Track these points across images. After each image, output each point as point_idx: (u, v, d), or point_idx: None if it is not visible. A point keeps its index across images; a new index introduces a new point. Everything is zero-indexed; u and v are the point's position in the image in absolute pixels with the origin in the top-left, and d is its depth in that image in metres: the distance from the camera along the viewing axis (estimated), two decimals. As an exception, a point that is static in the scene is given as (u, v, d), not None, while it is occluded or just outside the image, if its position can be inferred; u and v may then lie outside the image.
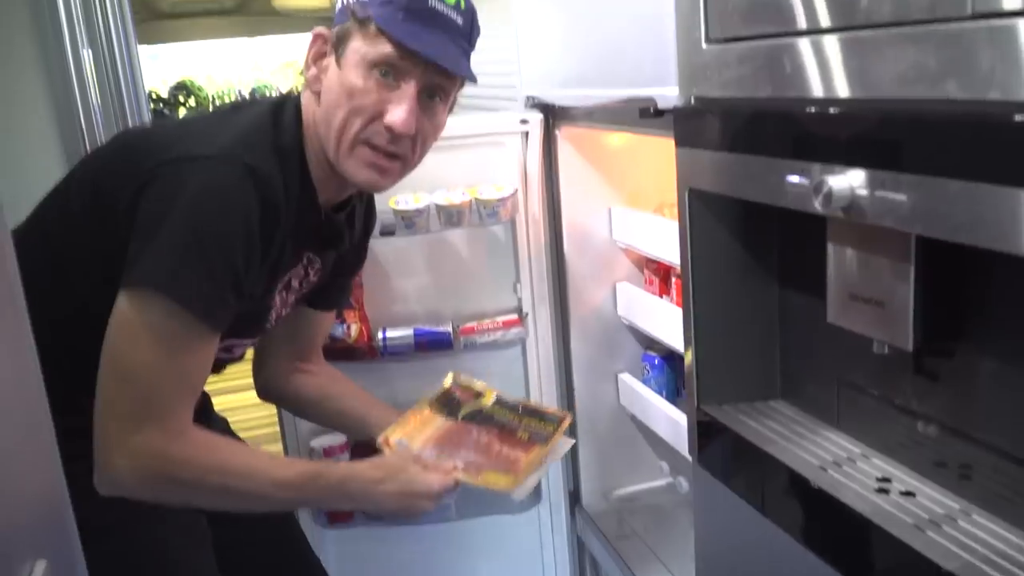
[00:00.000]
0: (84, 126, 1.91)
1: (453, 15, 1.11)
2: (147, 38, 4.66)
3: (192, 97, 5.40)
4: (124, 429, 1.03)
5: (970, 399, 0.90)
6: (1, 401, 0.55)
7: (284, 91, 5.44)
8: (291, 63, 6.64)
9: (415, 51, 1.08)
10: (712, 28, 1.03)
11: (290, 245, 1.16)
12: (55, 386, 0.64)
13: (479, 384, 1.31)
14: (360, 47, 1.10)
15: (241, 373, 1.49)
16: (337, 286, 1.41)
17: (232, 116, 1.15)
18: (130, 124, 2.10)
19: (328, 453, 1.76)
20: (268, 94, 5.48)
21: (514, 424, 1.31)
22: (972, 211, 0.70)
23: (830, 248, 0.97)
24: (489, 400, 1.34)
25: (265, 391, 1.47)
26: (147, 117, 2.28)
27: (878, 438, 1.05)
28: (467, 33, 1.15)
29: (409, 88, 1.10)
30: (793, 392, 1.21)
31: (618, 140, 1.79)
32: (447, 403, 1.34)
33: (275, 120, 1.14)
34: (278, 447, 1.86)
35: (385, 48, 1.08)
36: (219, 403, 1.49)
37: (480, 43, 1.68)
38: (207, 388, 1.38)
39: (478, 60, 2.18)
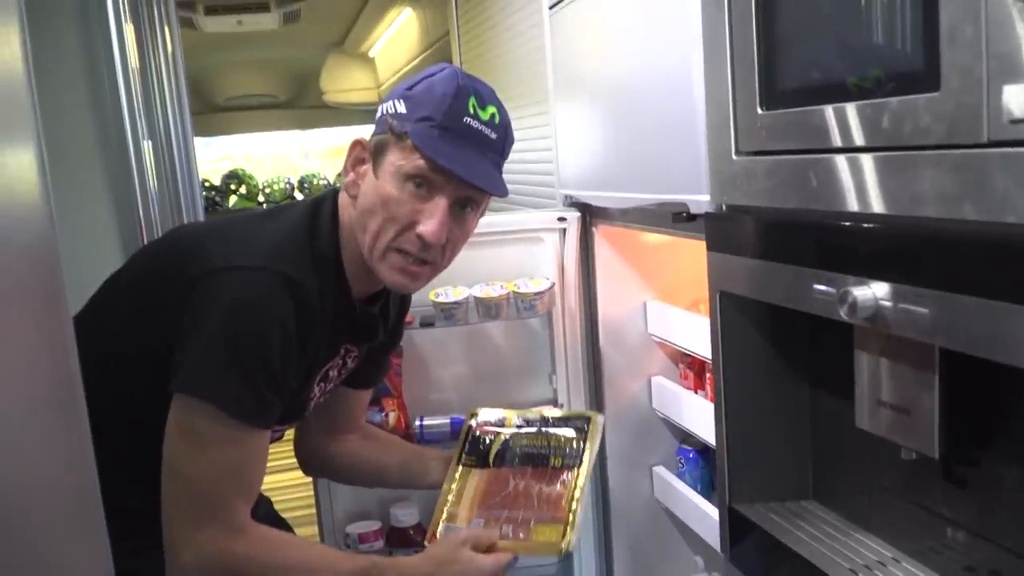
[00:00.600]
0: (142, 213, 2.00)
1: (487, 131, 1.17)
2: (203, 130, 4.89)
3: (243, 185, 5.60)
4: (187, 528, 1.09)
5: (997, 506, 0.91)
6: (56, 489, 0.59)
7: (332, 178, 5.65)
8: (339, 150, 6.88)
9: (447, 169, 1.13)
10: (742, 141, 1.09)
11: (327, 341, 1.22)
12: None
13: (497, 412, 1.32)
14: (396, 160, 1.15)
15: (281, 454, 1.53)
16: (374, 364, 1.46)
17: (270, 223, 1.21)
18: (184, 211, 2.19)
19: (363, 539, 1.78)
20: (316, 183, 5.66)
21: (543, 451, 1.33)
22: (990, 326, 0.73)
23: (857, 355, 1.00)
24: (511, 425, 1.35)
25: (307, 465, 1.52)
26: (200, 205, 2.37)
27: (909, 542, 1.05)
28: (500, 147, 1.20)
29: (441, 201, 1.15)
30: (825, 493, 1.22)
31: (654, 238, 1.84)
32: (475, 448, 1.36)
33: (311, 225, 1.20)
34: (313, 530, 1.88)
35: (419, 163, 1.13)
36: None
37: (521, 143, 1.76)
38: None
39: (519, 159, 2.27)
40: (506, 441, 1.35)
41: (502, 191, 1.20)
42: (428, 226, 1.14)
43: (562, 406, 1.85)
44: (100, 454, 0.77)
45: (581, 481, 1.28)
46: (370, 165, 1.19)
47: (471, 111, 1.15)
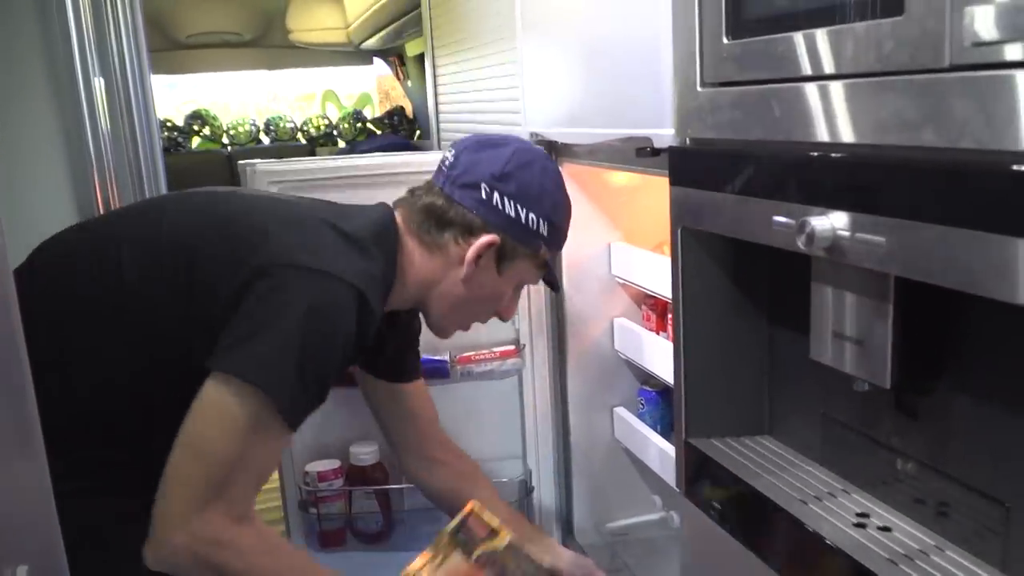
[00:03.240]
0: (93, 153, 1.93)
1: None
2: (164, 68, 4.74)
3: (207, 126, 5.48)
4: (189, 506, 1.07)
5: (947, 437, 0.93)
6: None
7: (298, 121, 5.55)
8: (308, 96, 6.75)
9: (557, 289, 1.50)
10: (707, 72, 1.08)
11: None
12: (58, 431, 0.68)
13: (495, 521, 1.33)
14: (525, 270, 1.33)
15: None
16: (400, 351, 1.50)
17: (345, 228, 1.20)
18: (141, 152, 2.11)
19: (322, 478, 1.79)
20: (283, 126, 5.56)
21: None
22: (946, 255, 0.73)
23: (814, 287, 1.00)
24: (502, 543, 1.36)
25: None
26: (159, 146, 2.30)
27: (859, 475, 1.07)
28: None
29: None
30: (780, 429, 1.23)
31: (620, 178, 1.83)
32: (465, 537, 1.36)
33: (384, 252, 1.23)
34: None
35: (539, 276, 1.37)
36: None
37: (488, 80, 1.72)
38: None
39: (485, 97, 2.23)
40: (494, 551, 1.35)
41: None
42: (512, 313, 1.40)
43: (523, 347, 1.85)
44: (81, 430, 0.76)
45: None
46: (493, 262, 1.30)
47: None
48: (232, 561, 1.10)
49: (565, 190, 1.35)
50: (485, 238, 1.26)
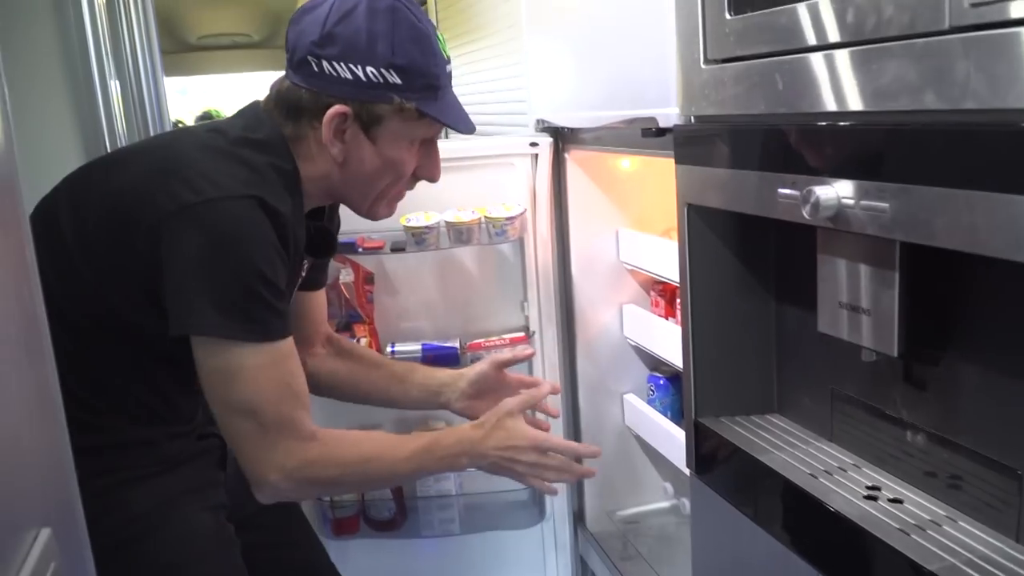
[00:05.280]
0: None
1: (451, 67, 1.22)
2: (175, 70, 4.78)
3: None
4: (265, 452, 1.10)
5: (957, 407, 0.92)
6: (7, 368, 0.59)
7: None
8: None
9: (462, 131, 1.21)
10: (710, 49, 1.08)
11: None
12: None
13: None
14: (401, 129, 1.18)
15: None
16: (318, 267, 1.45)
17: (228, 149, 1.16)
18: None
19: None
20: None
21: None
22: (949, 216, 0.73)
23: (820, 259, 1.00)
24: None
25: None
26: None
27: (870, 449, 1.06)
28: None
29: (435, 147, 1.25)
30: (789, 405, 1.23)
31: (626, 164, 1.83)
32: None
33: (270, 155, 1.16)
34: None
35: (432, 130, 1.21)
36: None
37: (494, 69, 1.71)
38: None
39: (492, 87, 2.24)
40: None
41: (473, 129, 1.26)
42: (436, 173, 1.26)
43: (533, 333, 1.85)
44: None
45: None
46: (360, 132, 1.17)
47: (447, 56, 1.20)
48: (325, 472, 1.15)
49: (410, 19, 1.16)
50: (329, 113, 1.15)
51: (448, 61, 1.20)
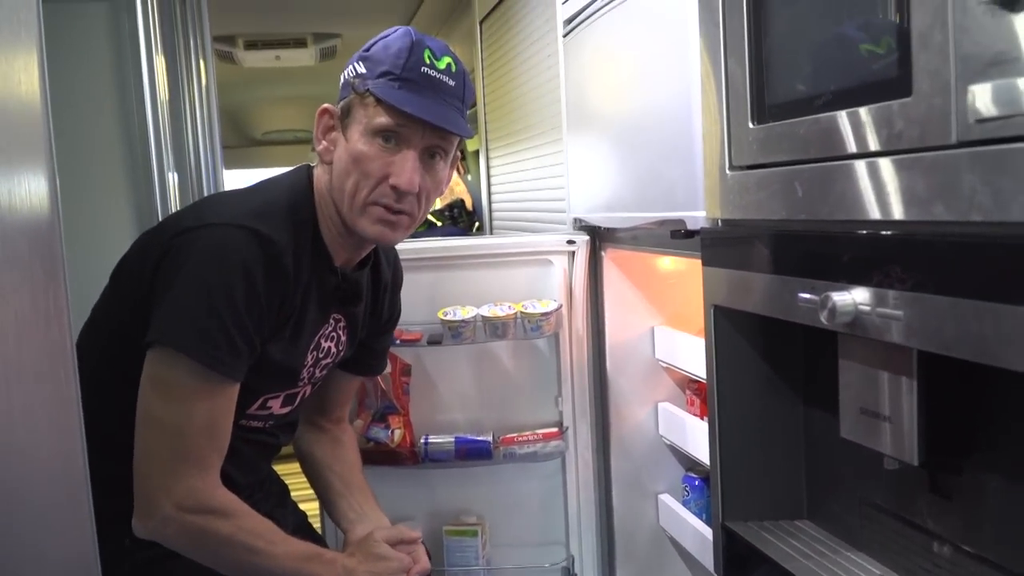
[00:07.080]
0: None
1: (445, 79, 1.21)
2: (240, 163, 4.99)
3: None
4: (167, 478, 1.11)
5: (981, 519, 0.90)
6: (43, 467, 0.62)
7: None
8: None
9: (411, 116, 1.17)
10: (735, 155, 1.11)
11: (315, 307, 1.26)
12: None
13: None
14: (362, 118, 1.20)
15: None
16: (373, 351, 1.48)
17: (245, 191, 1.27)
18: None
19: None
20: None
21: None
22: (962, 326, 0.74)
23: (841, 364, 1.00)
24: None
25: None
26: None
27: (899, 560, 1.04)
28: (460, 94, 1.23)
29: (410, 152, 1.20)
30: (818, 512, 1.20)
31: (663, 264, 1.85)
32: None
33: (290, 195, 1.24)
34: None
35: (384, 117, 1.18)
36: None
37: (535, 169, 1.75)
38: (285, 477, 1.46)
39: (533, 186, 2.30)
40: None
41: (468, 132, 1.24)
42: (401, 176, 1.19)
43: (567, 429, 1.85)
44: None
45: None
46: (340, 131, 1.23)
47: (427, 61, 1.20)
48: (220, 528, 1.13)
49: (409, 33, 1.21)
50: (317, 112, 1.25)
51: (431, 66, 1.20)
